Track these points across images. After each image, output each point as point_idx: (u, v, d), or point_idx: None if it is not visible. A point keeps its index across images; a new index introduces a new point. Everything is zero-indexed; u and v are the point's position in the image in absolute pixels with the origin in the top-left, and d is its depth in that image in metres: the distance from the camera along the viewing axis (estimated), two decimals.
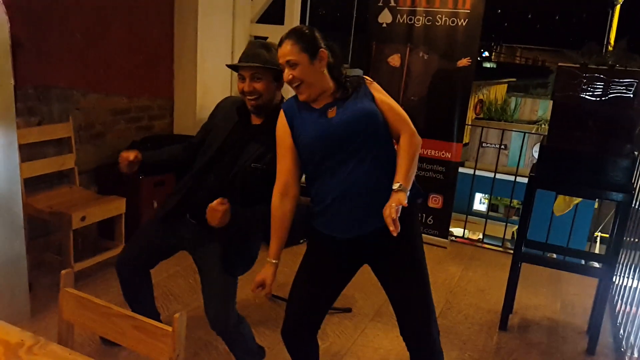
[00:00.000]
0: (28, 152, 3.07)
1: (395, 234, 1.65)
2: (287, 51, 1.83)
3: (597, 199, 4.82)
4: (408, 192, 1.77)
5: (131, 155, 2.11)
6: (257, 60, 2.07)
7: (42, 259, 3.18)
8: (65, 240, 2.97)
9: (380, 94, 1.94)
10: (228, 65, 2.23)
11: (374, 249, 1.93)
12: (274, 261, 1.94)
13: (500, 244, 4.88)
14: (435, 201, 4.29)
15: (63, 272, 1.48)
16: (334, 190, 1.86)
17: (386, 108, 1.90)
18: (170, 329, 1.30)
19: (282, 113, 1.94)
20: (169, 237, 2.28)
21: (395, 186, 1.76)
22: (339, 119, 1.85)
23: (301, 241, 4.06)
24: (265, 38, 2.27)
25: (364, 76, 2.00)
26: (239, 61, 2.12)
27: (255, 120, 2.19)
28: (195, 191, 2.19)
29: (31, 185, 3.12)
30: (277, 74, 2.06)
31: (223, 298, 2.17)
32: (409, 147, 1.86)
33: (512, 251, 3.28)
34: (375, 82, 1.98)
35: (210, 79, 4.23)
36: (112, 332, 1.41)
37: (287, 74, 1.85)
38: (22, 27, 2.99)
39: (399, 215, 1.68)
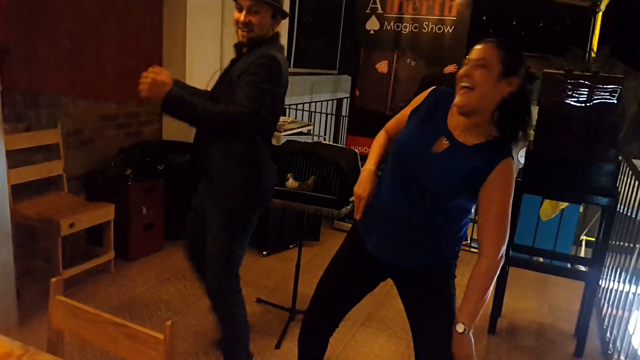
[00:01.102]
0: (16, 158, 3.04)
1: None
2: (484, 50, 1.59)
3: (582, 203, 4.89)
4: (470, 333, 1.61)
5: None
6: None
7: (30, 267, 3.14)
8: (53, 247, 2.94)
9: (504, 186, 1.61)
10: None
11: (401, 279, 1.85)
12: (373, 167, 1.81)
13: None
14: None
15: (53, 279, 1.46)
16: (387, 201, 1.74)
17: (485, 206, 1.61)
18: (162, 336, 1.29)
19: (427, 92, 1.80)
20: (198, 205, 2.29)
21: (460, 329, 1.60)
22: (435, 162, 1.65)
23: (290, 246, 4.06)
24: None
25: (508, 157, 1.62)
26: None
27: (245, 51, 2.14)
28: (196, 144, 2.19)
29: (19, 191, 3.09)
30: (276, 10, 2.04)
31: (218, 257, 2.16)
32: (485, 278, 1.60)
33: None
34: (510, 170, 1.62)
35: (198, 85, 4.21)
36: (103, 339, 1.40)
37: (466, 70, 1.61)
38: (10, 33, 2.97)
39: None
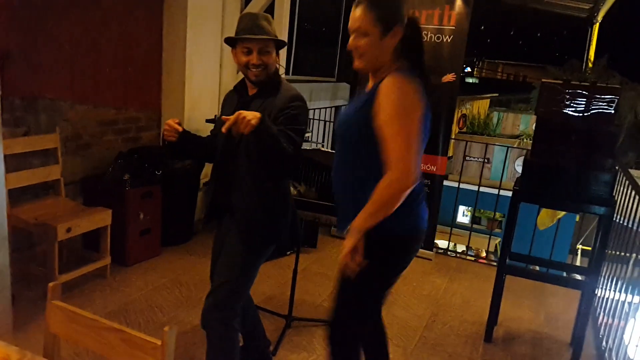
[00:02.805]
0: (14, 162, 3.03)
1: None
2: (357, 17, 1.63)
3: (579, 212, 4.91)
4: (360, 234, 1.59)
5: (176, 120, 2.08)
6: (265, 33, 2.02)
7: (26, 271, 3.13)
8: (50, 251, 2.93)
9: (382, 101, 1.60)
10: (231, 38, 2.05)
11: None
12: None
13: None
14: None
15: (51, 284, 1.45)
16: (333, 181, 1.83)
17: (377, 126, 1.60)
18: (159, 342, 1.28)
19: None
20: (221, 237, 2.28)
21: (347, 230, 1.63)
22: (341, 115, 1.79)
23: (287, 253, 4.05)
24: None
25: (389, 76, 1.63)
26: (244, 33, 2.03)
27: (252, 91, 2.15)
28: (219, 181, 2.19)
29: (16, 196, 3.08)
30: (279, 44, 2.08)
31: (222, 280, 2.13)
32: (382, 190, 1.57)
33: (495, 263, 3.32)
34: (397, 77, 1.61)
35: (198, 92, 4.23)
36: (100, 345, 1.39)
37: (352, 43, 1.66)
38: (11, 38, 2.98)
39: (352, 261, 1.59)
